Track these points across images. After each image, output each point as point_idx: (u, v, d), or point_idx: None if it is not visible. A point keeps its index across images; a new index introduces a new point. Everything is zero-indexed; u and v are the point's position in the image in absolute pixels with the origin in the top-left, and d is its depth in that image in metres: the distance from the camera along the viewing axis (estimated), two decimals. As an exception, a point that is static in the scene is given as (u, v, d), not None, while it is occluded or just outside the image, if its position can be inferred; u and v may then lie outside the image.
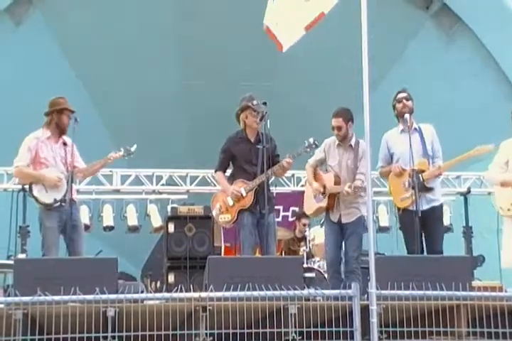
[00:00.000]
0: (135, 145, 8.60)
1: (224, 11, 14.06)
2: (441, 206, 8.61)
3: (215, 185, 11.88)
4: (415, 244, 8.18)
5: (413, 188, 8.17)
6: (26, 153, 8.24)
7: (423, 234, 8.27)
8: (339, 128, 8.46)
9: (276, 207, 9.02)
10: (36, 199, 8.27)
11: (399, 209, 8.55)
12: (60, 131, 8.33)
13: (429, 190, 8.28)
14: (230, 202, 8.33)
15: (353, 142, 8.53)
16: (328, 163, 8.62)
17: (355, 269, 8.36)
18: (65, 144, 8.35)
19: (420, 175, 8.23)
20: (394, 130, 8.59)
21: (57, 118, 8.30)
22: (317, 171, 8.65)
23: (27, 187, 8.48)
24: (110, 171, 12.20)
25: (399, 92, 8.56)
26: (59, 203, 8.12)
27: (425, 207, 8.25)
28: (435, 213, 8.36)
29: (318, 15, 6.87)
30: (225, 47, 14.05)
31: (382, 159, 8.60)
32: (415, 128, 8.49)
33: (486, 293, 7.10)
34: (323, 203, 8.48)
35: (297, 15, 6.98)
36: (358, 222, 8.56)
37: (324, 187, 8.46)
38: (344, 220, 8.45)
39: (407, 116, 8.39)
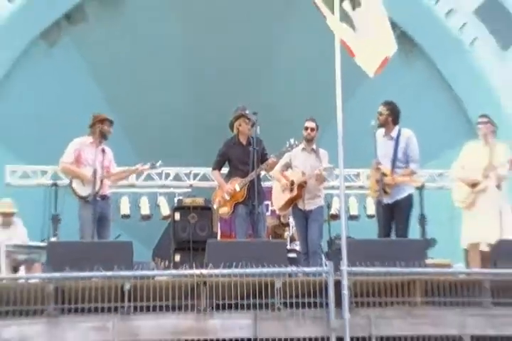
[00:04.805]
0: (160, 161, 8.74)
1: (225, 41, 14.07)
2: (405, 199, 8.33)
3: (214, 181, 11.91)
4: (380, 232, 8.23)
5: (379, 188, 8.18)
6: (71, 153, 8.38)
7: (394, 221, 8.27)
8: (313, 129, 8.55)
9: (266, 203, 9.08)
10: (74, 191, 8.38)
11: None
12: (102, 136, 8.45)
13: (386, 192, 8.16)
14: (227, 197, 8.36)
15: (314, 147, 8.59)
16: (293, 165, 8.64)
17: (317, 250, 8.46)
18: (103, 151, 8.44)
19: (383, 178, 8.16)
20: (381, 131, 8.41)
21: (101, 127, 8.42)
22: (283, 174, 8.67)
23: (60, 182, 8.59)
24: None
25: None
26: (92, 197, 8.15)
27: (391, 201, 8.20)
28: (399, 205, 8.24)
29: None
30: (225, 68, 14.05)
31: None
32: (391, 136, 8.33)
33: (437, 269, 7.20)
34: (292, 194, 8.49)
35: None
36: (319, 210, 8.67)
37: (292, 181, 8.49)
38: (307, 207, 8.48)
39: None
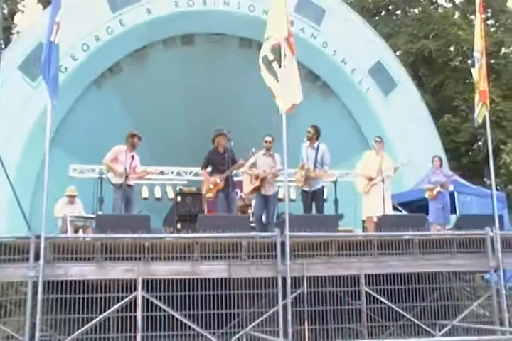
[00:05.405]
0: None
1: (211, 87, 14.00)
2: (320, 188, 8.43)
3: (202, 176, 11.87)
4: (305, 210, 8.26)
5: (304, 180, 8.24)
6: (112, 154, 8.23)
7: (313, 203, 8.26)
8: (270, 142, 8.48)
9: (236, 190, 9.06)
10: (108, 180, 8.28)
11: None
12: (133, 146, 8.32)
13: (309, 183, 8.21)
14: (211, 187, 8.28)
15: (271, 152, 8.52)
16: (257, 164, 8.54)
17: (272, 222, 8.38)
18: (133, 157, 8.33)
19: (309, 173, 8.22)
20: (307, 143, 8.44)
21: (131, 140, 8.29)
22: (251, 169, 8.60)
23: (104, 176, 8.60)
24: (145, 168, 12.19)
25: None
26: (120, 185, 8.05)
27: (312, 189, 8.23)
28: (316, 193, 8.30)
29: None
30: (211, 106, 13.94)
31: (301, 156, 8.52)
32: (313, 147, 8.39)
33: (345, 233, 7.26)
34: (257, 184, 8.43)
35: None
36: (275, 195, 8.60)
37: (257, 175, 8.43)
38: (267, 193, 8.43)
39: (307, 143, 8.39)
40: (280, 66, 6.44)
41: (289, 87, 6.39)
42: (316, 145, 8.40)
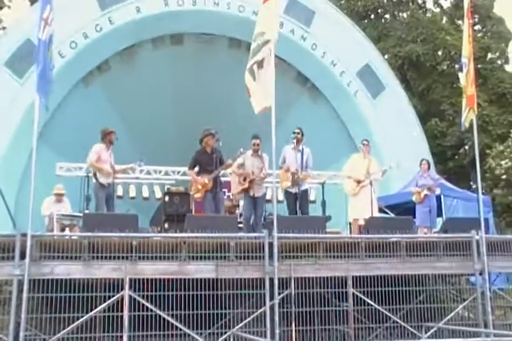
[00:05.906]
0: (143, 162, 8.56)
1: (200, 89, 13.96)
2: (305, 190, 8.46)
3: (189, 176, 11.84)
4: (291, 211, 8.26)
5: (292, 181, 8.25)
6: (95, 154, 8.18)
7: (298, 204, 8.23)
8: (258, 144, 8.42)
9: (224, 191, 9.02)
10: (97, 179, 8.18)
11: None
12: (110, 144, 8.26)
13: (296, 184, 8.23)
14: (199, 187, 8.24)
15: (259, 153, 8.47)
16: (245, 165, 8.48)
17: (259, 223, 8.35)
18: (110, 155, 8.29)
19: (295, 176, 8.25)
20: (290, 146, 8.48)
21: (110, 137, 8.25)
22: (239, 171, 8.56)
23: (91, 174, 8.59)
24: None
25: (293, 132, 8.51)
26: (106, 184, 8.03)
27: (297, 191, 8.22)
28: (302, 194, 8.29)
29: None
30: (200, 107, 13.89)
31: (282, 158, 8.54)
32: (299, 150, 8.41)
33: (332, 235, 7.27)
34: (245, 185, 8.38)
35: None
36: (263, 196, 8.57)
37: (244, 178, 8.39)
38: (256, 194, 8.37)
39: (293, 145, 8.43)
40: (259, 67, 6.45)
41: (263, 88, 6.39)
42: (301, 148, 8.45)
